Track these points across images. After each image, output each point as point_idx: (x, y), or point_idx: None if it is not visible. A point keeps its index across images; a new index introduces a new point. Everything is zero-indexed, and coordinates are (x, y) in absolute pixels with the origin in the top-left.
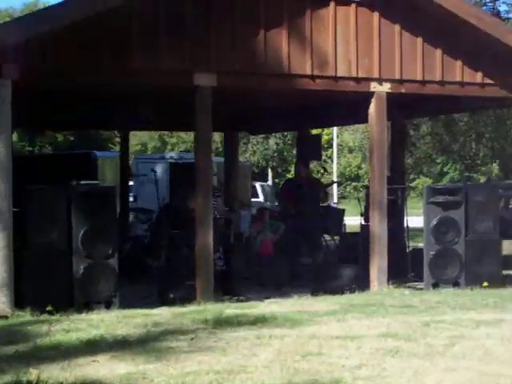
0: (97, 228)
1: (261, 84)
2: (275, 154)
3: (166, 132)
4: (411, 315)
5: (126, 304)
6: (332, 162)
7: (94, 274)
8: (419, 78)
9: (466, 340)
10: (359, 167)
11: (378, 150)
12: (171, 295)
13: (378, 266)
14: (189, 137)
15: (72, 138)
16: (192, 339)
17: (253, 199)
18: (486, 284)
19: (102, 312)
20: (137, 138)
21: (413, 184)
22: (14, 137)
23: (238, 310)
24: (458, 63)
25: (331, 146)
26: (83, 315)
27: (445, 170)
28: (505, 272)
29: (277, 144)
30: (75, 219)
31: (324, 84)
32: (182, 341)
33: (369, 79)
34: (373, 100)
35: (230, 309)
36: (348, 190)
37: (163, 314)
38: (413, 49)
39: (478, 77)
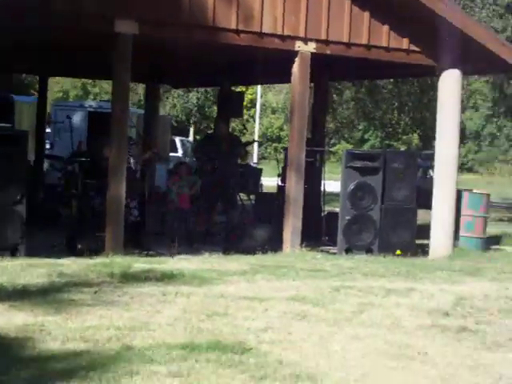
0: (5, 173)
1: (184, 35)
2: (195, 109)
3: (89, 81)
4: (322, 280)
5: (34, 252)
6: (254, 121)
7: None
8: (345, 39)
9: (375, 308)
10: (281, 129)
11: (298, 111)
12: (79, 246)
13: (291, 227)
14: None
15: None
16: (96, 292)
17: (172, 154)
18: (399, 252)
19: (6, 259)
20: (59, 86)
21: (333, 149)
22: None
23: (147, 265)
24: (385, 28)
25: (254, 106)
26: None
27: (366, 136)
28: (419, 241)
29: (198, 99)
30: None
31: (249, 39)
32: (86, 293)
33: (294, 38)
34: (297, 59)
35: (139, 263)
36: (269, 150)
37: (69, 265)
38: (340, 10)
39: (404, 43)
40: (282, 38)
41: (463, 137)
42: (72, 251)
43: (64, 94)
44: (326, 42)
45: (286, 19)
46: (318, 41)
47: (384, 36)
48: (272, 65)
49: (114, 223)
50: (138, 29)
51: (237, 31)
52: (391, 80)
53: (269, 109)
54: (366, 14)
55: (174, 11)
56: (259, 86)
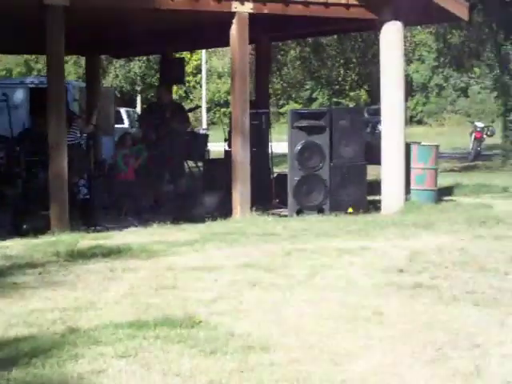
0: None
1: (116, 3)
2: (138, 79)
3: (32, 57)
4: (273, 243)
5: None
6: (201, 87)
7: None
8: None
9: (329, 269)
10: (228, 93)
11: (239, 74)
12: (24, 226)
13: (240, 192)
14: None
15: None
16: (40, 273)
17: (118, 125)
18: (350, 210)
19: None
20: (1, 64)
21: (282, 109)
22: None
23: (93, 242)
24: None
25: (200, 72)
26: None
27: (314, 95)
28: (371, 197)
29: (140, 68)
30: None
31: (183, 3)
32: (30, 275)
33: None
34: (234, 21)
35: (85, 240)
36: (217, 115)
37: (13, 246)
38: None
39: None
40: None
41: (411, 90)
42: (17, 231)
43: (7, 72)
44: (263, 2)
45: None
46: (254, 0)
47: None
48: (211, 28)
49: (57, 200)
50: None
51: None
52: (335, 37)
53: (215, 74)
54: None
55: None
56: (204, 52)
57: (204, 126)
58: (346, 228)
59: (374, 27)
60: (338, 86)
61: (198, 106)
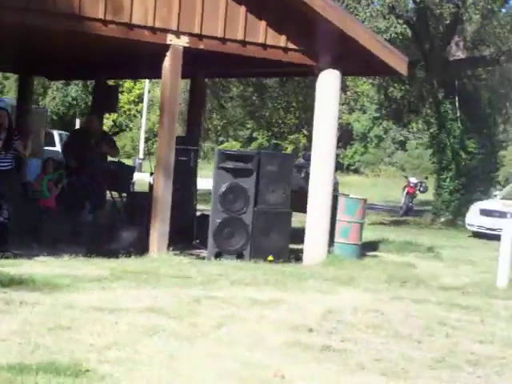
0: None
1: (47, 23)
2: (74, 102)
3: None
4: (184, 288)
5: None
6: (141, 116)
7: None
8: (220, 34)
9: (237, 322)
10: None
11: (168, 108)
12: None
13: (158, 230)
14: None
15: None
16: None
17: (50, 148)
18: (271, 258)
19: None
20: None
21: (221, 146)
22: None
23: None
24: (263, 24)
25: (142, 101)
26: None
27: (254, 135)
28: (297, 246)
29: (76, 91)
30: None
31: (117, 31)
32: None
33: (166, 30)
34: (168, 53)
35: None
36: (155, 146)
37: None
38: (216, 3)
39: (282, 40)
40: (153, 30)
41: (350, 138)
42: None
43: None
44: (200, 37)
45: (158, 11)
46: (191, 35)
47: (261, 32)
48: (146, 59)
49: None
50: None
51: (104, 21)
52: (277, 79)
53: (156, 104)
54: (243, 9)
55: None
56: (147, 81)
57: (141, 155)
58: (263, 277)
59: (312, 73)
60: (277, 128)
61: (122, 130)
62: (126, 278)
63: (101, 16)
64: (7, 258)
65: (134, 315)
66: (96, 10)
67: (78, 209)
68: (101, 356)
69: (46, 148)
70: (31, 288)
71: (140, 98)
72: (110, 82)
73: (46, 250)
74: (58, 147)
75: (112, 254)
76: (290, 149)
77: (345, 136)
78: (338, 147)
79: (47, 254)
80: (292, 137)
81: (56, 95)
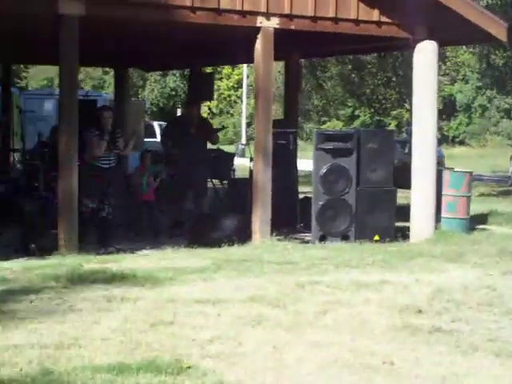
0: None
1: (135, 14)
2: (173, 93)
3: None
4: (288, 274)
5: None
6: (241, 102)
7: None
8: (310, 13)
9: (342, 306)
10: None
11: (263, 91)
12: (32, 245)
13: (260, 216)
14: (97, 72)
15: None
16: (32, 302)
17: (150, 139)
18: (377, 238)
19: None
20: (44, 73)
21: (324, 126)
22: None
23: (98, 265)
24: None
25: (241, 87)
26: None
27: (356, 113)
28: (402, 224)
29: (174, 82)
30: None
31: (206, 17)
32: (21, 303)
33: (255, 13)
34: (259, 36)
35: (91, 263)
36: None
37: (13, 269)
38: None
39: (375, 14)
40: (242, 13)
41: (454, 110)
42: (24, 251)
43: (49, 82)
44: (290, 17)
45: None
46: (281, 15)
47: (352, 8)
48: (237, 43)
49: (66, 220)
50: (84, 10)
51: (192, 8)
52: (375, 55)
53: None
54: None
55: None
56: (245, 67)
57: (243, 141)
58: (368, 258)
59: (408, 46)
60: (378, 105)
61: (224, 127)
62: (228, 268)
63: (188, 3)
64: (110, 253)
65: (236, 306)
66: None
67: (179, 199)
68: (203, 351)
69: (146, 140)
70: (133, 283)
71: (239, 84)
72: (208, 70)
73: (149, 243)
74: (158, 138)
75: (214, 243)
76: (393, 124)
77: (448, 107)
78: (441, 119)
79: (149, 248)
80: (395, 112)
81: (154, 87)
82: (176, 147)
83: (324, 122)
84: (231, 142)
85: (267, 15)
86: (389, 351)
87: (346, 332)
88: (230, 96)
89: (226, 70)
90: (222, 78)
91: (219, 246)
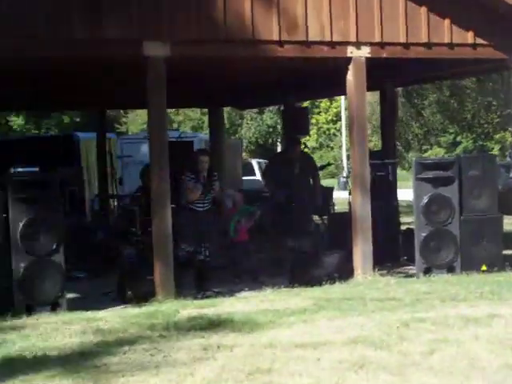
0: (37, 221)
1: (221, 52)
2: (270, 130)
3: (172, 110)
4: (391, 312)
5: (82, 301)
6: (341, 134)
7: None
8: (402, 40)
9: (450, 345)
10: (370, 140)
11: (357, 122)
12: (129, 292)
13: (361, 251)
14: (195, 114)
15: (78, 119)
16: (125, 353)
17: (249, 177)
18: (484, 268)
19: (44, 316)
20: (142, 117)
21: (426, 154)
22: (21, 119)
23: (195, 311)
24: (446, 22)
25: (340, 119)
26: (21, 320)
27: (458, 139)
28: (508, 252)
29: (271, 118)
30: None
31: (294, 50)
32: (115, 355)
33: (345, 43)
34: (350, 66)
35: (188, 309)
36: None
37: (109, 318)
38: (394, 7)
39: (470, 36)
40: (332, 44)
41: None
42: (121, 298)
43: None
44: (381, 45)
45: (334, 24)
46: (372, 44)
47: (445, 31)
48: (329, 75)
49: (161, 264)
50: (169, 50)
51: (280, 42)
52: (473, 79)
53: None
54: (424, 9)
55: (209, 28)
56: (343, 99)
57: (345, 173)
58: (476, 290)
59: (506, 67)
60: (480, 129)
61: (330, 164)
62: (329, 307)
63: (276, 37)
64: (208, 297)
65: (338, 349)
66: (270, 31)
67: (280, 238)
68: None
69: (245, 178)
70: (230, 329)
71: (338, 117)
72: (305, 104)
73: (247, 284)
74: (257, 176)
75: (316, 281)
76: (496, 149)
77: None
78: None
79: (248, 289)
80: (497, 136)
81: (251, 125)
82: (279, 188)
83: (425, 151)
84: (332, 176)
85: (357, 44)
86: None
87: (456, 373)
88: (329, 129)
89: (324, 103)
90: (320, 111)
91: (320, 285)
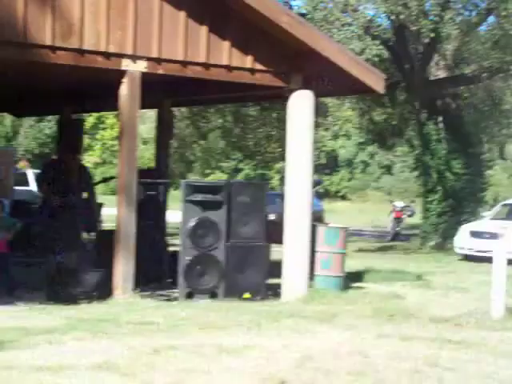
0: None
1: None
2: (49, 140)
3: None
4: (145, 336)
5: None
6: None
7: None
8: (181, 57)
9: (198, 376)
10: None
11: (127, 138)
12: None
13: (122, 270)
14: None
15: None
16: None
17: (24, 187)
18: (247, 295)
19: None
20: None
21: (207, 179)
22: None
23: None
24: (226, 44)
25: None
26: None
27: (240, 166)
28: (275, 281)
29: (50, 128)
30: None
31: (67, 57)
32: None
33: (120, 55)
34: (125, 80)
35: None
36: None
37: None
38: (174, 24)
39: (248, 61)
40: (107, 55)
41: (336, 165)
42: None
43: None
44: (158, 61)
45: (112, 34)
46: (148, 59)
47: (225, 53)
48: (104, 88)
49: None
50: None
51: (52, 48)
52: (257, 107)
53: (139, 139)
54: (205, 29)
55: None
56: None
57: None
58: (236, 318)
59: (283, 96)
60: (260, 157)
61: (113, 177)
62: (81, 328)
63: (48, 42)
64: None
65: (81, 374)
66: (43, 35)
67: (42, 251)
68: None
69: (18, 188)
70: None
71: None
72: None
73: (2, 298)
74: (32, 186)
75: (73, 299)
76: (276, 178)
77: (331, 162)
78: (324, 174)
79: (1, 304)
80: (278, 166)
81: (29, 133)
82: (55, 195)
83: (208, 175)
84: (114, 193)
85: (133, 58)
86: None
87: None
88: (113, 146)
89: (111, 119)
90: (106, 127)
91: (77, 304)
